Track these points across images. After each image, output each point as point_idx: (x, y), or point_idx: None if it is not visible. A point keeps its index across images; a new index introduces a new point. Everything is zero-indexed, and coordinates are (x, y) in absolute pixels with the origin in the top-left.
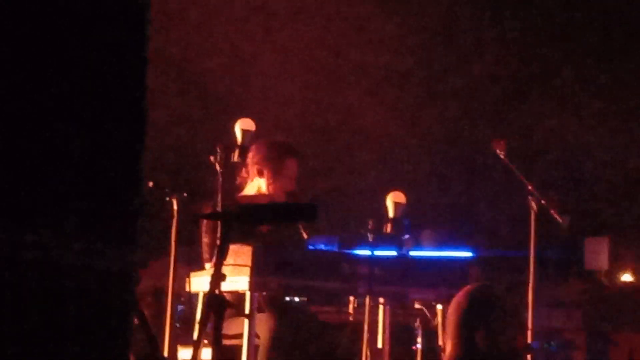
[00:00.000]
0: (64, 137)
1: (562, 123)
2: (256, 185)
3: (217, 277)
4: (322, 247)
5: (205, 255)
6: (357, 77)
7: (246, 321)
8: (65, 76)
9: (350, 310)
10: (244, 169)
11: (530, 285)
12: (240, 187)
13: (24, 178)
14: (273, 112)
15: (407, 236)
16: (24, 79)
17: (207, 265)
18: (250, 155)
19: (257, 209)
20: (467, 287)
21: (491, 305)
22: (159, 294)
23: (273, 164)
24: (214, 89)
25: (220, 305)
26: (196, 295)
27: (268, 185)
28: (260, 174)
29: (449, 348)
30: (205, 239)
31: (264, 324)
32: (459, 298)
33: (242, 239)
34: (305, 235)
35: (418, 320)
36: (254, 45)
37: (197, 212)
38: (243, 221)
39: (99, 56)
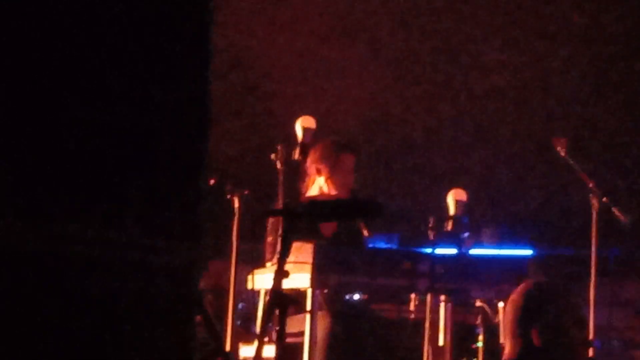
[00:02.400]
0: (128, 134)
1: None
2: (317, 185)
3: (280, 274)
4: (383, 244)
5: (267, 255)
6: (420, 71)
7: (307, 318)
8: (132, 72)
9: (412, 308)
10: (306, 173)
11: (592, 282)
12: (304, 190)
13: (87, 175)
14: (332, 108)
15: (467, 234)
16: (94, 73)
17: (269, 264)
18: (309, 157)
19: (321, 205)
20: (523, 284)
21: (546, 302)
22: (220, 292)
23: (329, 161)
24: (278, 86)
25: (283, 302)
26: (257, 292)
27: (326, 180)
28: (318, 172)
29: (507, 346)
30: (268, 238)
31: (321, 322)
32: (514, 295)
33: (304, 237)
34: (366, 233)
35: (479, 317)
36: (316, 42)
37: (263, 210)
38: (306, 217)
39: (163, 52)
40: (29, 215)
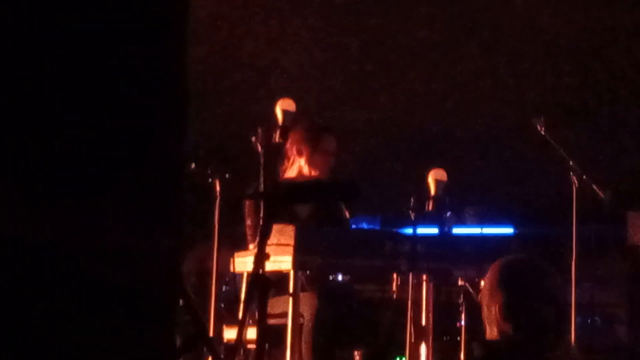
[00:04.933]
0: (107, 119)
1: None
2: (297, 166)
3: (261, 257)
4: (365, 225)
5: (249, 237)
6: (393, 58)
7: (290, 300)
8: (106, 57)
9: (394, 288)
10: (287, 154)
11: (573, 260)
12: (283, 172)
13: (65, 160)
14: (310, 91)
15: (448, 214)
16: (70, 73)
17: (251, 247)
18: (291, 139)
19: (299, 187)
20: (495, 262)
21: (514, 279)
22: (203, 275)
23: (311, 142)
24: (256, 69)
25: (264, 284)
26: (240, 275)
27: (306, 161)
28: (299, 153)
29: (487, 326)
30: (247, 221)
31: (307, 303)
32: (491, 270)
33: (285, 220)
34: (347, 214)
35: (461, 296)
36: (291, 24)
37: (239, 194)
38: (285, 200)
39: (140, 37)
40: (7, 202)
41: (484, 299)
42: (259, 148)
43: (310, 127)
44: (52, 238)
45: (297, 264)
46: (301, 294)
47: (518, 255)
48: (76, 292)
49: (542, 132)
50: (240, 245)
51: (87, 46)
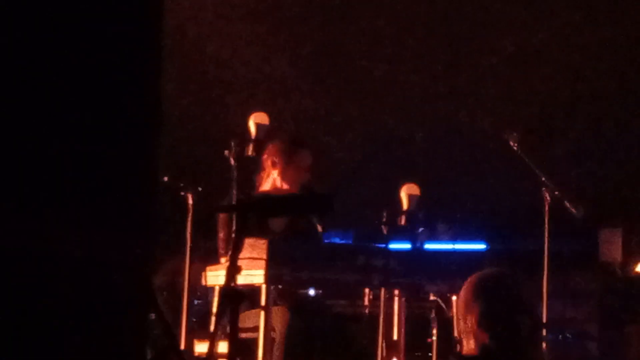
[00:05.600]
0: (81, 131)
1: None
2: (271, 179)
3: (233, 270)
4: (337, 240)
5: (220, 251)
6: (365, 71)
7: (262, 314)
8: (83, 71)
9: (366, 302)
10: (262, 167)
11: (545, 275)
12: (258, 185)
13: (39, 171)
14: (286, 103)
15: (421, 229)
16: (43, 79)
17: (223, 260)
18: (266, 151)
19: (272, 200)
20: (475, 273)
21: (490, 289)
22: (175, 289)
23: (285, 155)
24: (228, 81)
25: (236, 297)
26: (212, 289)
27: (280, 174)
28: (274, 165)
29: (465, 340)
30: (220, 234)
31: (280, 317)
32: (463, 287)
33: (258, 234)
34: (320, 229)
35: (433, 311)
36: (267, 34)
37: (212, 206)
38: (258, 213)
39: (113, 50)
40: None
41: (460, 311)
42: (232, 161)
43: (287, 140)
44: (19, 247)
45: (269, 278)
46: (273, 308)
47: (493, 268)
48: (46, 303)
49: (515, 147)
50: (212, 259)
51: (67, 60)
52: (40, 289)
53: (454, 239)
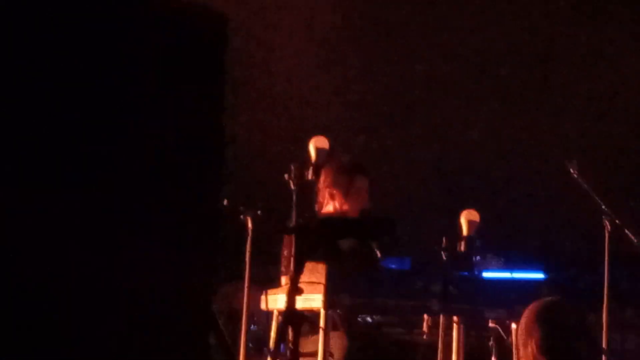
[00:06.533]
0: (150, 158)
1: None
2: (331, 206)
3: (294, 291)
4: (394, 266)
5: (282, 269)
6: (426, 97)
7: (321, 339)
8: (151, 96)
9: (424, 329)
10: (319, 194)
11: (605, 306)
12: (319, 209)
13: (107, 195)
14: (342, 129)
15: (478, 258)
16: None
17: (283, 280)
18: (321, 180)
19: (332, 222)
20: (533, 303)
21: (553, 319)
22: (232, 314)
23: (343, 185)
24: (289, 106)
25: (297, 320)
26: (270, 313)
27: (340, 203)
28: (332, 197)
29: None
30: (284, 252)
31: (338, 342)
32: (524, 314)
33: (318, 257)
34: (379, 254)
35: (492, 339)
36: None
37: (275, 226)
38: (317, 235)
39: (181, 79)
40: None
41: (521, 337)
42: (292, 185)
43: (342, 167)
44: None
45: (327, 303)
46: (331, 333)
47: (554, 296)
48: (110, 327)
49: (575, 176)
50: (270, 283)
51: (136, 94)
52: (104, 314)
53: (511, 268)
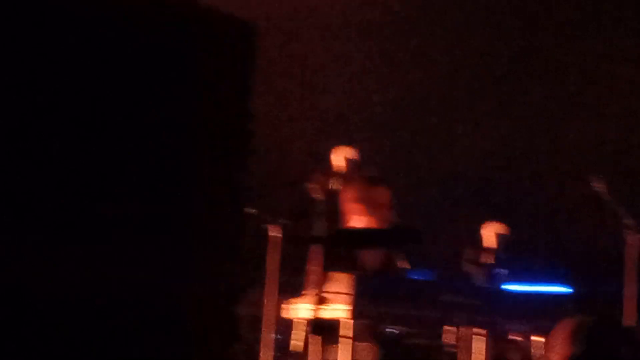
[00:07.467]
0: (177, 170)
1: None
2: (357, 222)
3: (319, 302)
4: (420, 278)
5: (308, 278)
6: (453, 111)
7: (345, 349)
8: (178, 108)
9: (449, 340)
10: (344, 207)
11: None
12: (346, 220)
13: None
14: (368, 140)
15: (504, 271)
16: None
17: (305, 292)
18: (345, 195)
19: (357, 233)
20: (571, 317)
21: (595, 334)
22: (256, 322)
23: (365, 200)
24: (315, 117)
25: (324, 329)
26: (292, 323)
27: (367, 220)
28: (357, 212)
29: None
30: (311, 266)
31: (364, 353)
32: (561, 325)
33: (346, 268)
34: (406, 265)
35: (514, 351)
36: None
37: (301, 237)
38: (342, 245)
39: (208, 88)
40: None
41: (551, 352)
42: (318, 195)
43: (362, 182)
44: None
45: (355, 313)
46: (357, 344)
47: (588, 316)
48: (136, 332)
49: (600, 191)
50: (293, 292)
51: (165, 103)
52: (130, 320)
53: (537, 281)
